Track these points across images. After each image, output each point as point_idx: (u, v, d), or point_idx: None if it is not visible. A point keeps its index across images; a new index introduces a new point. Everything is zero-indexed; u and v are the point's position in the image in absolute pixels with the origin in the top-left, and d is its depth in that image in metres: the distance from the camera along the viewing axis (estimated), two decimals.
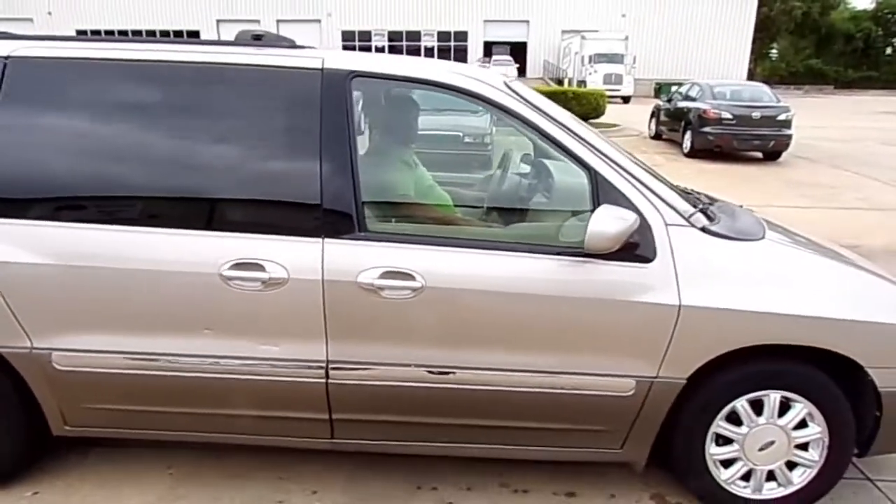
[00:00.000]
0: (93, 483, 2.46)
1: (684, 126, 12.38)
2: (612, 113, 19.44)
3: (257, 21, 40.46)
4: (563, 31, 38.89)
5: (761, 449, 2.30)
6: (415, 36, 41.33)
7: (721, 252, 2.18)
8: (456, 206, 2.58)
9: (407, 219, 2.36)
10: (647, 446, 2.30)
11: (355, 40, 41.31)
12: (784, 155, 12.29)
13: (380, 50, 40.80)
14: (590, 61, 32.19)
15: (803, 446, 2.31)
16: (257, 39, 2.32)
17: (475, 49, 41.22)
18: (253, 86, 2.20)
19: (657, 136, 14.53)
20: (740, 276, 2.16)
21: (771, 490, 2.36)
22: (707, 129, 11.64)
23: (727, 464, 2.34)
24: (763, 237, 2.30)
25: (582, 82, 31.08)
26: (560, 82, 32.42)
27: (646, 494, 2.48)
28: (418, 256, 2.12)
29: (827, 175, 10.77)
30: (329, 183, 2.11)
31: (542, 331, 2.16)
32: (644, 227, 2.13)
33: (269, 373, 2.17)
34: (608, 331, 2.15)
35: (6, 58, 2.17)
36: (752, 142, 11.56)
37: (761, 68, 57.08)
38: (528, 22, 40.84)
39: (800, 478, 2.34)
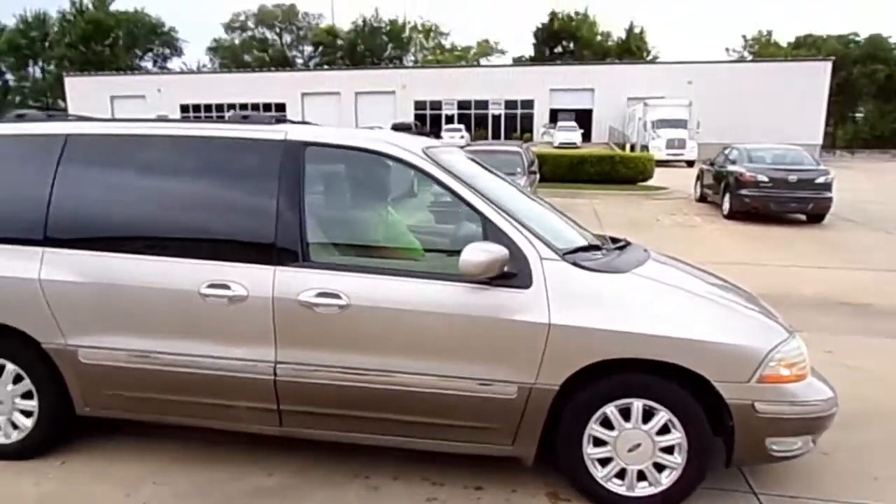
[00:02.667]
0: (107, 456, 3.16)
1: (724, 188, 12.58)
2: (669, 177, 19.72)
3: (338, 93, 43.62)
4: (629, 98, 39.57)
5: (630, 450, 2.71)
6: (483, 104, 43.16)
7: (586, 281, 2.69)
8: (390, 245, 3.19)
9: (343, 252, 3.00)
10: (533, 444, 2.76)
11: (427, 108, 43.54)
12: (830, 218, 12.22)
13: (449, 118, 42.76)
14: (653, 127, 32.54)
15: (668, 450, 2.70)
16: (245, 119, 3.10)
17: (541, 116, 42.50)
18: (231, 153, 2.96)
19: (702, 199, 14.70)
20: (600, 301, 2.65)
21: (643, 489, 2.75)
22: (744, 191, 11.82)
23: (604, 463, 2.76)
24: (628, 272, 2.79)
25: (645, 147, 31.37)
26: (623, 147, 32.89)
27: (542, 491, 2.91)
28: (345, 281, 2.75)
29: (867, 238, 10.68)
30: (281, 226, 2.81)
31: (443, 342, 2.71)
32: (523, 260, 2.68)
33: (233, 369, 2.82)
34: (495, 343, 2.68)
35: (68, 135, 3.05)
36: (789, 204, 11.62)
37: (843, 132, 55.39)
38: (593, 90, 41.86)
39: (667, 478, 2.72)
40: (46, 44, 58.34)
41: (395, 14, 69.43)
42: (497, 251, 2.58)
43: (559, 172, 17.16)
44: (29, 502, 2.79)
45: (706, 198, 14.45)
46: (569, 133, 35.54)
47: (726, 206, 12.39)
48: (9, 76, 62.31)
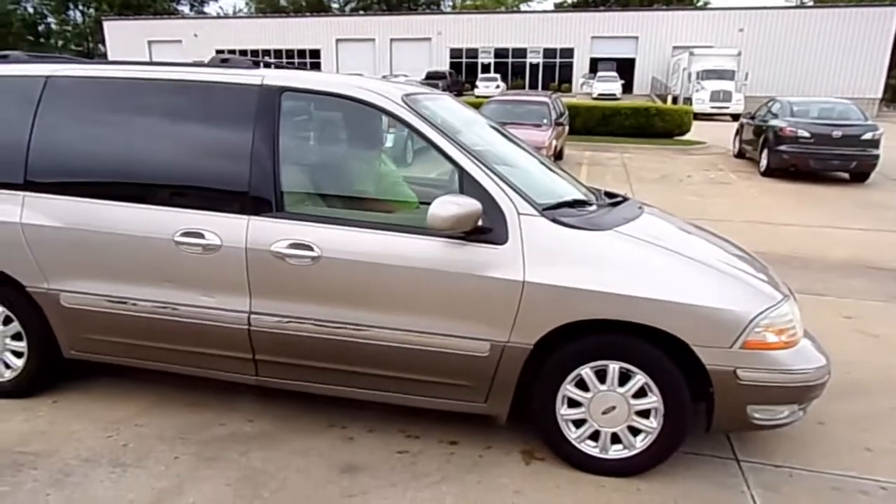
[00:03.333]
0: (94, 397, 3.24)
1: (762, 143, 12.03)
2: (711, 131, 19.00)
3: (372, 40, 42.97)
4: (675, 48, 37.97)
5: (605, 412, 2.65)
6: (521, 53, 41.99)
7: (564, 238, 2.58)
8: (366, 196, 3.10)
9: (319, 203, 2.93)
10: (506, 402, 2.71)
11: (462, 57, 42.63)
12: (876, 176, 11.63)
13: (486, 67, 41.81)
14: (697, 77, 31.20)
15: (644, 414, 2.62)
16: (224, 62, 3.02)
17: (581, 65, 41.20)
18: (207, 98, 2.88)
19: (740, 155, 14.12)
20: (577, 259, 2.54)
21: (617, 452, 2.69)
22: (783, 147, 11.27)
23: (578, 424, 2.70)
24: (610, 229, 2.66)
25: (688, 99, 30.18)
26: (665, 99, 31.71)
27: (517, 449, 2.88)
28: (318, 232, 2.69)
29: None
30: (256, 175, 2.75)
31: (416, 298, 2.65)
32: (499, 214, 2.58)
33: (209, 317, 2.82)
34: (468, 300, 2.60)
35: (47, 77, 3.01)
36: (831, 162, 11.05)
37: None
38: (636, 38, 40.21)
39: (641, 442, 2.65)
40: None
41: None
42: (468, 204, 2.48)
43: (591, 125, 16.64)
44: (15, 437, 2.88)
45: (745, 153, 13.88)
46: (609, 83, 34.41)
47: (763, 162, 11.87)
48: (51, 19, 63.01)
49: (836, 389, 3.46)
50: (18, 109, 2.99)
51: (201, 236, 2.76)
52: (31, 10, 61.96)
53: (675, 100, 31.61)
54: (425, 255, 2.61)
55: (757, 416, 2.58)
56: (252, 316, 2.79)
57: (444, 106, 3.34)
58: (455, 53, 42.51)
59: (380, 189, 3.33)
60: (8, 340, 3.15)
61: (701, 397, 2.61)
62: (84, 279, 2.93)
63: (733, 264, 2.80)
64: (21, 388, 3.20)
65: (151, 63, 3.13)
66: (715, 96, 29.71)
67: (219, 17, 55.62)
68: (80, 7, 61.24)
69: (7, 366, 3.19)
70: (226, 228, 2.76)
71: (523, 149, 3.69)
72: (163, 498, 2.49)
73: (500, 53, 42.15)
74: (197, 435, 2.94)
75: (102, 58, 42.96)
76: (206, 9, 64.68)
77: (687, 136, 17.04)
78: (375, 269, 2.65)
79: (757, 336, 2.48)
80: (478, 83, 36.51)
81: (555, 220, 2.60)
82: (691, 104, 27.95)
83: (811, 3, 45.76)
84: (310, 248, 2.67)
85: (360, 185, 3.03)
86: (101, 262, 2.91)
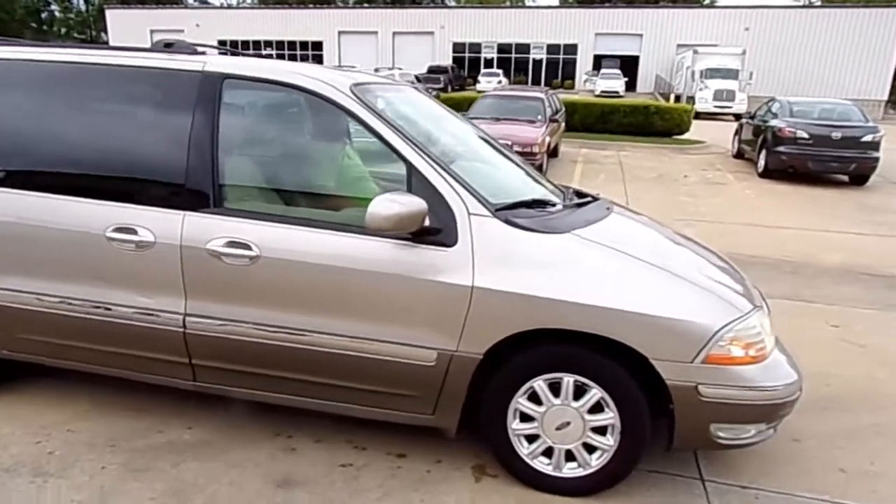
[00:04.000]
0: (30, 400, 3.07)
1: (759, 144, 11.81)
2: (713, 130, 18.75)
3: (375, 32, 42.76)
4: (679, 45, 37.69)
5: (558, 428, 2.47)
6: (524, 48, 41.72)
7: (516, 241, 2.40)
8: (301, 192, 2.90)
9: (261, 199, 2.75)
10: (455, 415, 2.54)
11: (465, 52, 42.37)
12: (876, 179, 11.41)
13: (488, 62, 41.57)
14: (701, 76, 30.90)
15: (600, 431, 2.45)
16: (168, 46, 2.84)
17: (584, 62, 40.94)
18: (146, 84, 2.70)
19: (739, 155, 13.89)
20: (530, 264, 2.36)
21: (571, 470, 2.51)
22: (781, 148, 11.05)
23: (531, 439, 2.53)
24: (567, 232, 2.47)
25: (691, 98, 29.89)
26: (668, 98, 31.41)
27: (469, 464, 2.71)
28: (257, 230, 2.52)
29: None
30: (193, 167, 2.57)
31: (360, 302, 2.47)
32: (448, 214, 2.40)
33: (143, 319, 2.65)
34: (414, 305, 2.43)
35: None
36: (829, 163, 10.83)
37: None
38: (641, 35, 39.94)
39: (597, 460, 2.48)
40: None
41: None
42: (411, 203, 2.30)
43: (589, 122, 16.39)
44: None
45: (743, 154, 13.65)
46: (612, 81, 34.13)
47: (761, 163, 11.65)
48: (54, 7, 62.80)
49: (815, 403, 3.31)
50: None
51: (134, 232, 2.59)
52: None
53: (678, 98, 31.32)
54: (369, 256, 2.44)
55: (721, 434, 2.41)
56: (187, 318, 2.61)
57: (406, 99, 3.16)
58: (458, 48, 42.25)
59: (338, 184, 3.14)
60: None
61: (662, 414, 2.44)
62: (14, 275, 2.76)
63: (701, 272, 2.62)
64: None
65: (93, 46, 2.95)
66: (718, 95, 29.42)
67: (221, 7, 55.48)
68: None
69: None
70: (160, 224, 2.58)
71: (492, 146, 3.51)
72: None
73: (503, 49, 41.89)
74: (130, 443, 2.77)
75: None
76: None
77: (687, 136, 16.80)
78: (317, 271, 2.47)
79: (721, 350, 2.30)
80: (479, 78, 36.25)
81: (508, 221, 2.42)
82: (694, 103, 27.75)
83: (818, 3, 45.34)
84: (248, 247, 2.50)
85: (309, 180, 2.85)
86: (31, 258, 2.74)
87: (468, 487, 2.56)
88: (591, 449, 2.48)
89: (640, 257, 2.46)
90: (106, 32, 47.49)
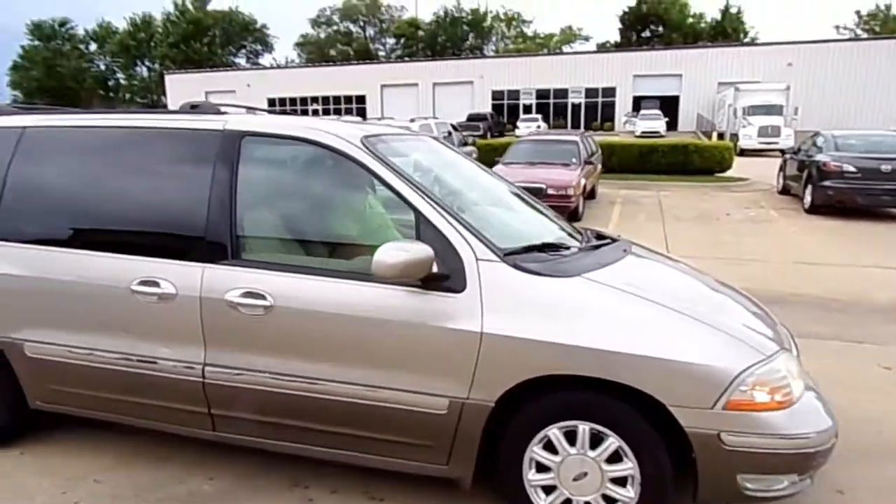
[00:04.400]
0: (63, 450, 3.15)
1: (805, 180, 11.48)
2: (757, 167, 18.29)
3: (416, 84, 43.90)
4: (720, 84, 37.36)
5: (575, 479, 2.39)
6: (562, 93, 42.10)
7: (525, 286, 2.37)
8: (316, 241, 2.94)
9: (277, 250, 2.81)
10: (470, 465, 2.48)
11: (504, 98, 43.03)
12: None
13: (527, 108, 42.08)
14: (744, 113, 30.39)
15: (619, 482, 2.35)
16: (194, 108, 2.99)
17: (623, 103, 40.96)
18: (171, 145, 2.84)
19: (784, 191, 13.51)
20: (539, 309, 2.33)
21: None
22: (827, 182, 10.70)
23: (548, 491, 2.45)
24: (577, 275, 2.44)
25: (735, 136, 29.42)
26: (710, 136, 31.00)
27: None
28: (272, 280, 2.57)
29: None
30: (212, 221, 2.67)
31: (371, 350, 2.48)
32: (457, 260, 2.41)
33: (164, 369, 2.72)
34: (424, 352, 2.42)
35: (24, 128, 3.05)
36: (880, 197, 10.40)
37: None
38: (680, 75, 39.85)
39: None
40: (152, 44, 62.32)
41: (478, 3, 68.90)
42: (417, 250, 2.32)
43: (628, 163, 16.27)
44: None
45: (789, 190, 13.26)
46: (652, 121, 33.95)
47: (808, 199, 11.29)
48: (120, 75, 67.21)
49: (864, 452, 3.11)
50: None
51: (157, 285, 2.68)
52: (102, 66, 66.37)
53: (720, 136, 30.84)
54: (379, 304, 2.45)
55: (749, 486, 2.28)
56: (206, 368, 2.67)
57: (421, 148, 3.22)
58: (497, 95, 42.97)
59: (356, 233, 3.20)
60: None
61: (687, 464, 2.33)
62: (46, 329, 2.88)
63: (723, 314, 2.54)
64: None
65: (124, 111, 3.13)
66: (763, 132, 28.80)
67: (271, 67, 58.12)
68: (147, 63, 65.12)
69: None
70: (181, 276, 2.67)
71: (513, 192, 3.53)
72: None
73: (541, 94, 42.38)
74: (154, 493, 2.80)
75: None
76: (262, 60, 67.82)
77: (729, 173, 16.49)
78: (329, 319, 2.50)
79: (742, 395, 2.20)
80: (518, 123, 36.66)
81: (516, 266, 2.41)
82: (738, 140, 27.28)
83: (864, 36, 44.46)
84: (262, 297, 2.55)
85: (324, 231, 2.90)
86: (61, 312, 2.86)
87: None
88: (611, 501, 2.39)
89: (655, 300, 2.40)
90: (165, 96, 50.26)
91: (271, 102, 45.73)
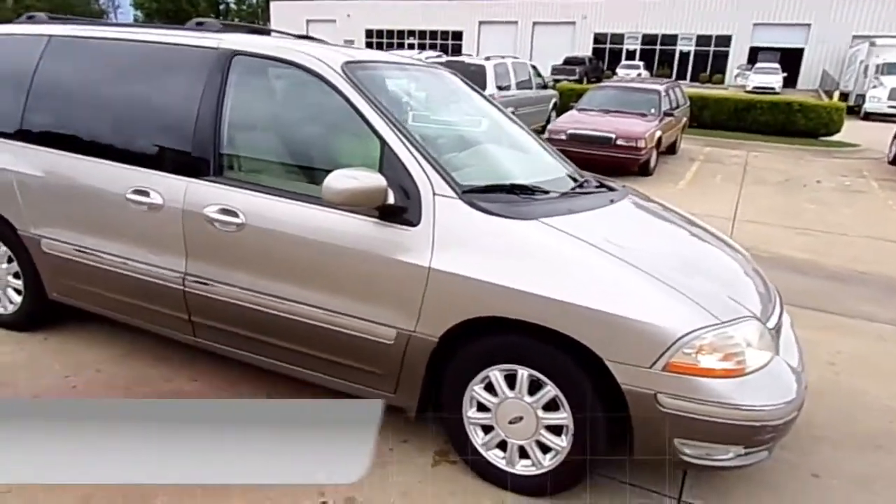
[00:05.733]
0: (81, 339, 3.49)
1: None
2: (879, 134, 16.52)
3: (515, 23, 42.52)
4: (854, 37, 33.64)
5: (511, 422, 2.38)
6: (671, 40, 39.47)
7: (478, 225, 2.32)
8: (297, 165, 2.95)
9: (256, 170, 2.86)
10: (415, 396, 2.52)
11: (606, 42, 40.93)
12: None
13: (631, 54, 39.90)
14: (876, 72, 27.19)
15: (555, 430, 2.33)
16: (199, 25, 3.06)
17: (739, 55, 37.87)
18: (168, 60, 2.94)
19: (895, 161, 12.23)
20: (490, 249, 2.28)
21: (524, 467, 2.41)
22: None
23: (487, 430, 2.46)
24: (535, 219, 2.35)
25: (861, 97, 26.58)
26: (831, 95, 28.18)
27: (433, 448, 2.68)
28: (246, 199, 2.65)
29: None
30: (198, 137, 2.76)
31: (331, 276, 2.53)
32: (414, 194, 2.38)
33: (152, 275, 2.90)
34: (376, 282, 2.45)
35: (51, 36, 3.24)
36: None
37: None
38: (808, 25, 36.11)
39: (550, 461, 2.36)
40: None
41: None
42: (367, 179, 2.30)
43: (721, 118, 15.17)
44: None
45: None
46: (767, 76, 31.16)
47: None
48: (231, 0, 69.42)
49: (868, 439, 2.93)
50: (24, 64, 3.24)
51: (147, 195, 2.84)
52: None
53: (843, 97, 27.96)
54: (338, 230, 2.48)
55: (687, 451, 2.19)
56: (187, 277, 2.82)
57: (421, 79, 3.15)
58: (599, 38, 40.89)
59: (331, 160, 3.16)
60: (10, 278, 3.46)
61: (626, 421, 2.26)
62: (59, 227, 3.14)
63: (691, 275, 2.38)
64: (20, 322, 3.52)
65: (130, 25, 3.26)
66: (894, 94, 25.80)
67: None
68: None
69: (10, 301, 3.52)
70: (168, 189, 2.81)
71: (525, 132, 3.41)
72: None
73: (647, 40, 39.88)
74: (143, 388, 3.06)
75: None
76: None
77: (840, 137, 15.05)
78: (294, 242, 2.57)
79: (686, 358, 2.09)
80: (618, 70, 34.84)
81: (472, 204, 2.36)
82: (864, 102, 24.67)
83: None
84: (235, 215, 2.64)
85: (299, 155, 2.91)
86: (70, 214, 3.09)
87: (421, 470, 2.54)
88: (544, 448, 2.37)
89: (612, 252, 2.28)
90: (269, 22, 51.48)
91: (369, 34, 45.84)
